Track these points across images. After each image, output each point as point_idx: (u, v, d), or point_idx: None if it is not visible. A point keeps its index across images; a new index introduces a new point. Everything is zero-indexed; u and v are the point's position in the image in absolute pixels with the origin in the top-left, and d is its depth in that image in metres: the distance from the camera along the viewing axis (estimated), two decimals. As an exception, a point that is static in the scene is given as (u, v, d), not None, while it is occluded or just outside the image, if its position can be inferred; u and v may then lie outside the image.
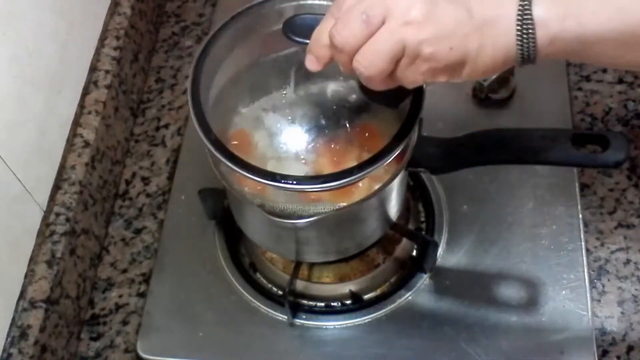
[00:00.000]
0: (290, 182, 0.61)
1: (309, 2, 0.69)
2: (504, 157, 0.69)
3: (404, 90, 0.58)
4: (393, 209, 0.76)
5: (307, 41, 0.59)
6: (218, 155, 0.62)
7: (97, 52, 0.92)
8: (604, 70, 0.97)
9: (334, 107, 0.72)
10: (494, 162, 0.71)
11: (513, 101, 0.94)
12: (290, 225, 0.67)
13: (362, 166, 0.61)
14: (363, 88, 0.61)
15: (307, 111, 0.72)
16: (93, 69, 0.90)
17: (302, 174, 0.67)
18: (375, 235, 0.77)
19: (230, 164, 0.61)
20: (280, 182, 0.60)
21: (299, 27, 0.60)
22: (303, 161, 0.69)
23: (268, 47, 0.72)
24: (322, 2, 0.68)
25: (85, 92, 0.88)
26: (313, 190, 0.62)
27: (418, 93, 0.64)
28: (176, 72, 1.02)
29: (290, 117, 0.71)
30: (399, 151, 0.62)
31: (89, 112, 0.87)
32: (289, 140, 0.70)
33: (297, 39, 0.60)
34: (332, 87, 0.73)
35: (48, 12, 0.81)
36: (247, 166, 0.61)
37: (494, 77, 0.92)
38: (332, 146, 0.70)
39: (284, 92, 0.73)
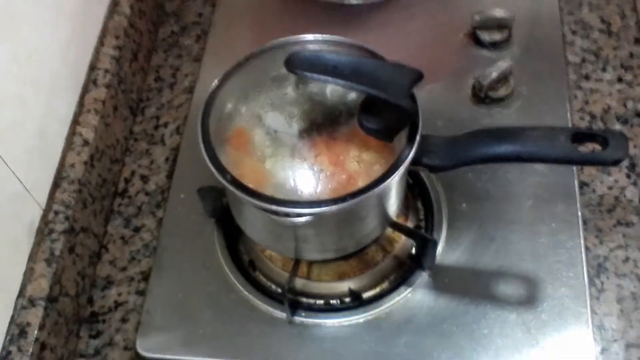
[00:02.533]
0: (299, 206, 0.65)
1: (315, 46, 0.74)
2: (504, 155, 0.69)
3: (398, 125, 0.65)
4: (392, 207, 0.76)
5: (308, 74, 0.66)
6: (239, 194, 0.66)
7: (97, 51, 0.92)
8: (604, 69, 0.97)
9: (334, 105, 0.72)
10: (494, 161, 0.70)
11: (512, 100, 0.94)
12: (289, 223, 0.67)
13: (362, 190, 0.65)
14: (361, 123, 0.66)
15: (307, 109, 0.72)
16: (92, 68, 0.91)
17: (301, 173, 0.68)
18: (374, 233, 0.77)
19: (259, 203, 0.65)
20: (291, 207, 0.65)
21: (300, 62, 0.66)
22: (302, 159, 0.69)
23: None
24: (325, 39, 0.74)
25: (85, 91, 0.89)
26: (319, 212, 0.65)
27: (413, 134, 0.67)
28: (175, 71, 1.02)
29: (289, 115, 0.71)
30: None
31: (88, 111, 0.87)
32: (288, 138, 0.70)
33: (299, 72, 0.66)
34: (331, 86, 0.73)
35: (48, 12, 0.82)
36: (267, 200, 0.65)
37: (494, 76, 0.92)
38: (332, 144, 0.70)
39: (284, 90, 0.73)
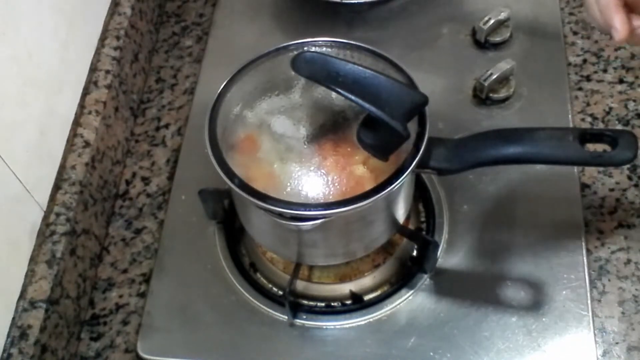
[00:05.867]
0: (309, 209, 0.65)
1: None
2: (512, 157, 0.69)
3: (394, 145, 0.65)
4: (400, 210, 0.75)
5: (311, 78, 0.65)
6: (247, 197, 0.65)
7: (97, 52, 0.92)
8: (605, 70, 0.97)
9: (341, 109, 0.72)
10: (502, 163, 0.70)
11: (513, 101, 0.94)
12: (302, 228, 0.67)
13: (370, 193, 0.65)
14: (359, 136, 0.66)
15: (314, 113, 0.72)
16: (93, 69, 0.90)
17: (309, 177, 0.68)
18: (383, 238, 0.77)
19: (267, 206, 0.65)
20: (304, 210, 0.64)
21: (307, 62, 0.66)
22: (310, 164, 0.69)
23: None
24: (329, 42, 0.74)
25: (86, 92, 0.88)
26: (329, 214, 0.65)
27: (420, 137, 0.67)
28: (176, 72, 1.02)
29: (297, 120, 0.71)
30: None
31: (89, 112, 0.87)
32: (296, 142, 0.70)
33: (305, 73, 0.66)
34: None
35: (48, 12, 0.81)
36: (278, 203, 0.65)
37: (494, 77, 0.92)
38: (339, 148, 0.70)
39: (291, 94, 0.73)
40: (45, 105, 0.80)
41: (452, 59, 1.00)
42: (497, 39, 0.99)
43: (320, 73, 0.65)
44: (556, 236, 0.83)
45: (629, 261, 0.82)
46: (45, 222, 0.79)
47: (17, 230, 0.75)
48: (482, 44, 1.00)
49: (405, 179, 0.66)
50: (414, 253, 0.84)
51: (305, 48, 0.73)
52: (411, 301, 0.80)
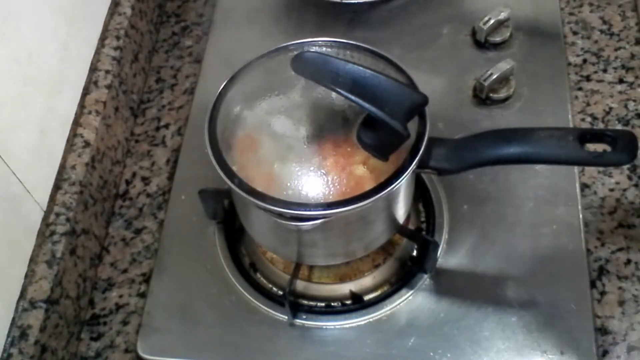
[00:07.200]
0: (310, 209, 0.64)
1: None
2: (512, 157, 0.69)
3: (394, 145, 0.65)
4: (400, 210, 0.75)
5: (310, 77, 0.66)
6: (247, 197, 0.65)
7: (98, 52, 0.92)
8: (605, 70, 0.97)
9: (341, 109, 0.72)
10: (502, 163, 0.70)
11: (513, 101, 0.94)
12: (302, 228, 0.67)
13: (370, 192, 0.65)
14: (359, 136, 0.66)
15: (314, 113, 0.72)
16: (93, 69, 0.90)
17: (309, 178, 0.68)
18: (382, 238, 0.77)
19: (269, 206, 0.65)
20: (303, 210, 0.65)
21: (307, 62, 0.66)
22: (310, 164, 0.69)
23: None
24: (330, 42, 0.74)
25: (86, 92, 0.89)
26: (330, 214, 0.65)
27: (420, 138, 0.67)
28: (176, 72, 1.02)
29: (297, 120, 0.71)
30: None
31: (89, 112, 0.87)
32: (296, 143, 0.70)
33: (305, 73, 0.66)
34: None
35: (48, 12, 0.81)
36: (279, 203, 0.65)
37: (494, 77, 0.92)
38: (339, 149, 0.69)
39: (291, 94, 0.73)
40: (45, 105, 0.80)
41: (452, 59, 1.00)
42: (497, 39, 0.99)
43: (320, 73, 0.65)
44: (556, 236, 0.83)
45: (629, 261, 0.82)
46: (45, 222, 0.79)
47: (17, 230, 0.75)
48: (482, 44, 1.00)
49: (405, 179, 0.66)
50: (414, 253, 0.84)
51: (305, 48, 0.73)
52: (411, 301, 0.80)
